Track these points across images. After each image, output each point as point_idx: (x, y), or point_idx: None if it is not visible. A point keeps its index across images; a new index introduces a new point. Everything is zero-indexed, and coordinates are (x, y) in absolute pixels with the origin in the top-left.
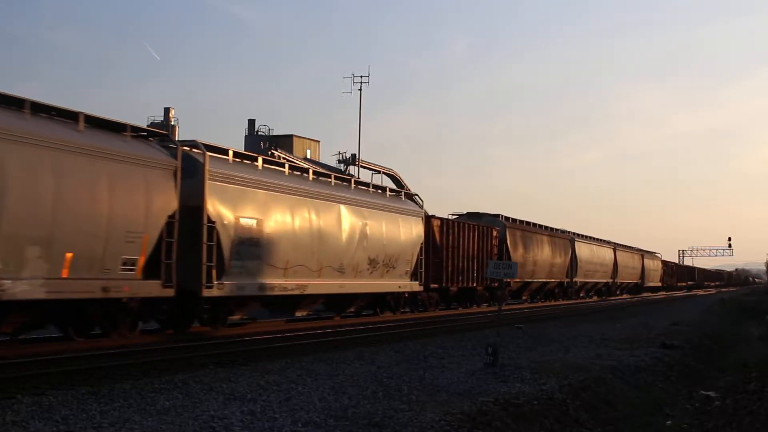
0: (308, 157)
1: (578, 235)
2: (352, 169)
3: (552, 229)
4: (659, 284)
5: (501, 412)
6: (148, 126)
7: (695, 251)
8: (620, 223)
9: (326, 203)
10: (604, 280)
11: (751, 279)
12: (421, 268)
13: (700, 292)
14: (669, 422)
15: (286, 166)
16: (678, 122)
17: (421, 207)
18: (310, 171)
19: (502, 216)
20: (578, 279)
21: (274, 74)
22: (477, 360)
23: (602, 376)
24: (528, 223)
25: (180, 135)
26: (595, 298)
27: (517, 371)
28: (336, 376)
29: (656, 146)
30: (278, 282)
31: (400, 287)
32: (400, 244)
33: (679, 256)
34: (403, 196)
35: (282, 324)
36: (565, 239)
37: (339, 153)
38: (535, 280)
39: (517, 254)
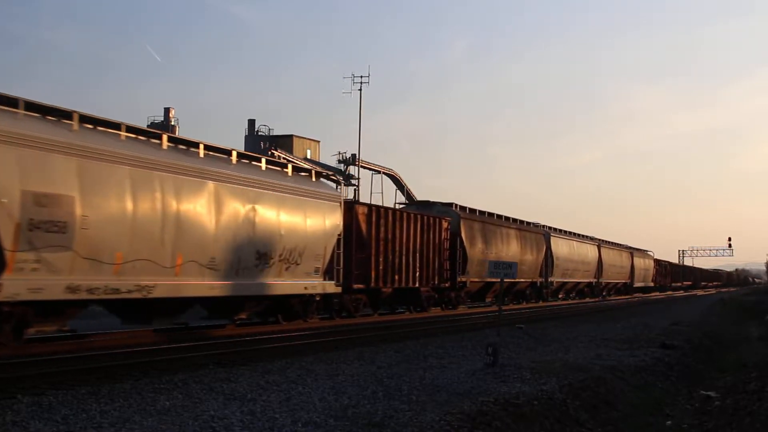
0: (308, 157)
1: (555, 229)
2: (352, 169)
3: (522, 222)
4: (651, 284)
5: (501, 412)
6: (148, 126)
7: (695, 251)
8: (620, 223)
9: (190, 180)
10: (587, 280)
11: (750, 279)
12: (338, 265)
13: (700, 293)
14: (669, 422)
15: (123, 127)
16: (678, 122)
17: (339, 190)
18: (164, 136)
19: (456, 205)
20: (555, 279)
21: (274, 74)
22: (477, 360)
23: (602, 376)
24: (491, 214)
25: (180, 135)
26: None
27: (518, 371)
28: (336, 376)
29: (656, 146)
30: (104, 281)
31: (306, 288)
32: (307, 234)
33: (679, 256)
34: (313, 176)
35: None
36: (539, 234)
37: (339, 153)
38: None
39: (474, 250)
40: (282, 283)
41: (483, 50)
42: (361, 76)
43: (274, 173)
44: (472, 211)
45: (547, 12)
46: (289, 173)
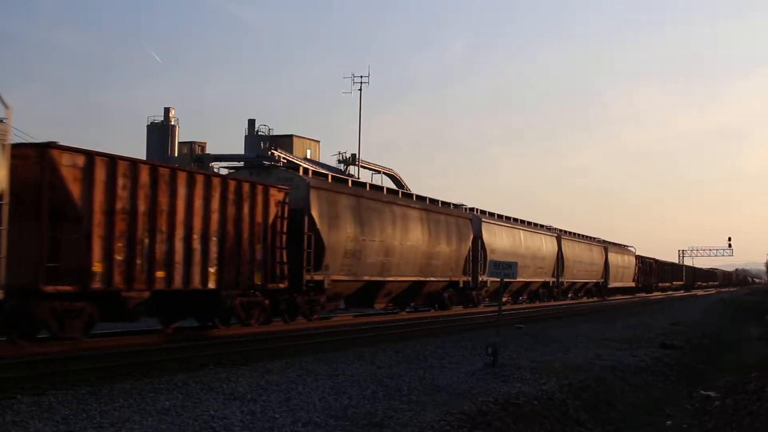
0: (308, 157)
1: (489, 214)
2: (352, 169)
3: (436, 201)
4: (632, 284)
5: (501, 412)
6: (147, 126)
7: (695, 251)
8: (620, 223)
9: None
10: (541, 280)
11: (750, 279)
12: None
13: (700, 293)
14: (669, 422)
15: None
16: (678, 122)
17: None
18: None
19: (307, 171)
20: (490, 278)
21: (274, 74)
22: (477, 360)
23: (602, 376)
24: (377, 187)
25: (180, 135)
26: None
27: (518, 371)
28: (336, 376)
29: (656, 146)
30: None
31: None
32: None
33: (679, 256)
34: None
35: (281, 324)
36: (463, 218)
37: (339, 153)
38: (395, 279)
39: (338, 235)
40: None
41: (483, 50)
42: (361, 76)
43: None
44: (339, 180)
45: (547, 12)
46: None
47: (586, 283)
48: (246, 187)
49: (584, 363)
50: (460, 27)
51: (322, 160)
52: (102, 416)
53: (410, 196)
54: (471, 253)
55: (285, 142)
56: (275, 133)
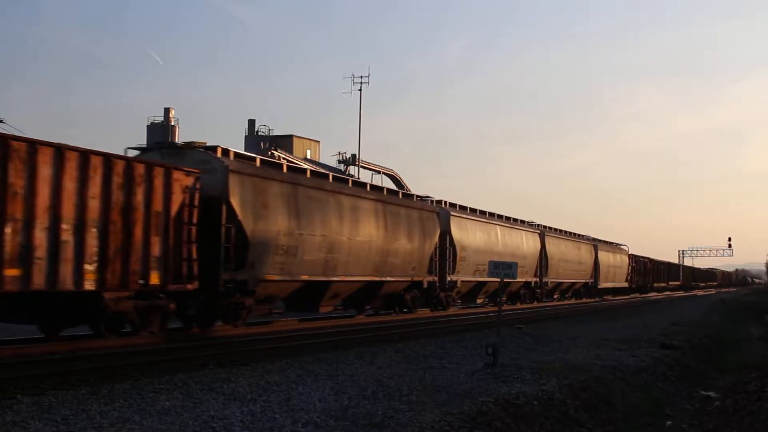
0: (308, 157)
1: (460, 207)
2: (352, 170)
3: (395, 193)
4: (625, 284)
5: (501, 413)
6: (147, 126)
7: (695, 251)
8: (620, 223)
9: None
10: (523, 280)
11: (750, 279)
12: None
13: (700, 293)
14: (669, 422)
15: None
16: (678, 122)
17: None
18: None
19: (226, 151)
20: (461, 278)
21: (274, 74)
22: (477, 360)
23: (602, 377)
24: (320, 174)
25: (180, 135)
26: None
27: (518, 371)
28: (336, 376)
29: (657, 146)
30: None
31: None
32: None
33: (679, 256)
34: None
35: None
36: (428, 212)
37: (339, 153)
38: (342, 279)
39: (267, 227)
40: None
41: (482, 50)
42: (361, 76)
43: None
44: (270, 164)
45: (547, 12)
46: None
47: (573, 284)
48: (139, 168)
49: (584, 363)
50: (460, 27)
51: (322, 160)
52: (102, 416)
53: (363, 185)
54: (438, 250)
55: (285, 142)
56: (275, 133)
